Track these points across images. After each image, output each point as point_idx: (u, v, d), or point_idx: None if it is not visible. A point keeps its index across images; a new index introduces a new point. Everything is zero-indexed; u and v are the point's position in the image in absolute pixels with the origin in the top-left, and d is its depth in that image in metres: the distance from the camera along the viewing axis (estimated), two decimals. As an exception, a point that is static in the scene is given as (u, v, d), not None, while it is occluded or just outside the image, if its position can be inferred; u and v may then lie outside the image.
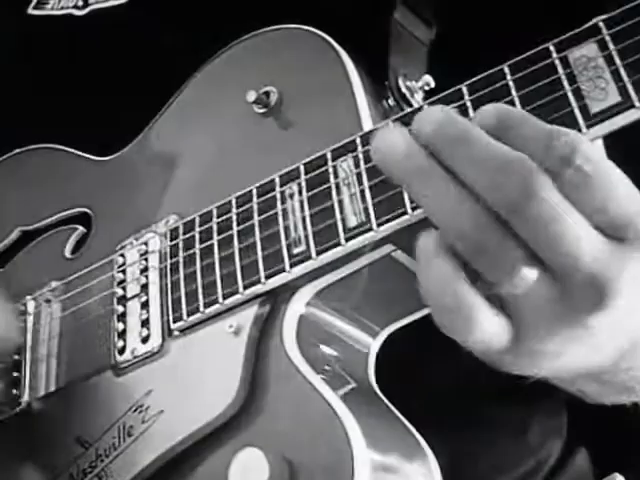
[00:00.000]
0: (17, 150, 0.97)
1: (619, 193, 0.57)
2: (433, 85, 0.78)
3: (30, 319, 0.86)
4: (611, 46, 0.61)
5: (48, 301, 0.86)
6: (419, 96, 0.78)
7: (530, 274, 0.57)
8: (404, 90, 0.78)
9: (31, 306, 0.87)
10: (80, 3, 1.01)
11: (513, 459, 0.94)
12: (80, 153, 0.92)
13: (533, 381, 0.93)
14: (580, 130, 0.61)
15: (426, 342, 0.75)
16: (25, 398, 0.84)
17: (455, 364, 0.82)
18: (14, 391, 0.84)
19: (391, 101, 0.78)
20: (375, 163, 0.59)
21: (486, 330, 0.58)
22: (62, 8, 1.01)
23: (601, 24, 0.62)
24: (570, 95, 0.62)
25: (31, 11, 1.04)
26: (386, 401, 0.73)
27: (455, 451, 0.86)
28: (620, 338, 0.66)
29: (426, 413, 0.72)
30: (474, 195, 0.56)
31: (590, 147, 0.57)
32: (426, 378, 0.87)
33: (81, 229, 0.89)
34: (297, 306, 0.72)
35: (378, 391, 0.74)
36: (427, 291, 0.59)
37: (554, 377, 0.72)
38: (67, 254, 0.89)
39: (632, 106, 0.60)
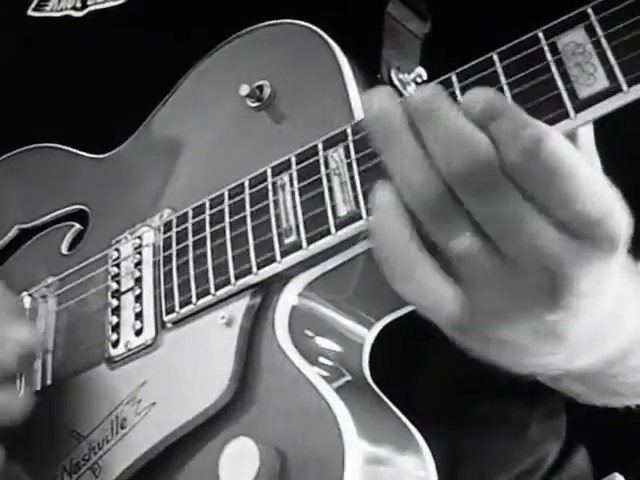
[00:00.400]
0: (17, 150, 0.97)
1: (585, 191, 0.57)
2: (425, 77, 0.78)
3: (26, 315, 0.87)
4: (599, 31, 0.61)
5: (44, 297, 0.87)
6: (411, 88, 0.78)
7: (469, 238, 0.59)
8: (396, 83, 0.78)
9: (27, 302, 0.87)
10: (79, 4, 1.02)
11: (511, 458, 0.94)
12: (77, 151, 0.93)
13: (533, 381, 0.94)
14: (568, 115, 0.61)
15: (424, 339, 0.75)
16: (21, 393, 0.83)
17: (453, 361, 0.82)
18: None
19: None
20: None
21: (435, 292, 0.60)
22: (61, 10, 1.02)
23: (589, 10, 0.62)
24: (558, 80, 0.62)
25: (31, 13, 1.05)
26: (380, 393, 0.73)
27: (453, 449, 0.86)
28: (598, 344, 0.67)
29: (424, 411, 0.72)
30: (435, 160, 0.59)
31: (558, 141, 0.57)
32: (423, 375, 0.87)
33: (78, 226, 0.90)
34: (289, 297, 0.72)
35: (372, 383, 0.74)
36: (380, 245, 0.62)
37: (531, 372, 0.71)
38: (64, 251, 0.89)
39: (620, 90, 0.60)
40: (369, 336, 0.76)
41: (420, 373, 0.87)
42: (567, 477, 0.97)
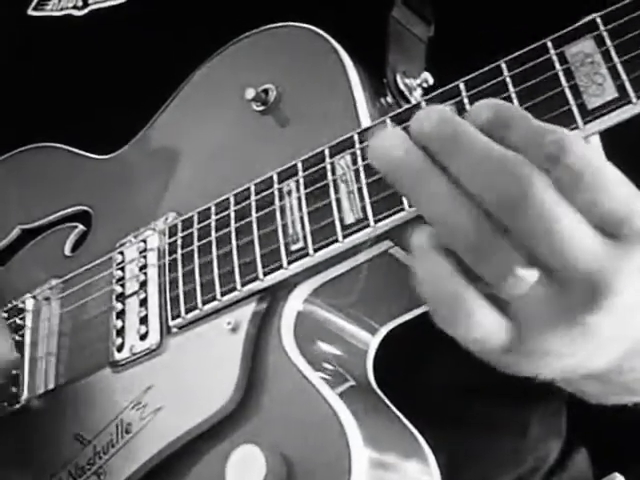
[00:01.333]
0: (17, 149, 0.97)
1: (611, 190, 0.56)
2: (432, 82, 0.78)
3: (29, 317, 0.86)
4: (608, 42, 0.61)
5: (47, 299, 0.87)
6: (417, 93, 0.78)
7: (527, 275, 0.56)
8: (402, 87, 0.78)
9: (30, 304, 0.87)
10: (79, 3, 1.01)
11: (512, 458, 0.94)
12: (80, 152, 0.93)
13: (531, 381, 0.93)
14: (577, 126, 0.61)
15: (425, 341, 0.75)
16: (24, 396, 0.84)
17: (455, 363, 0.82)
18: (13, 389, 0.84)
19: (389, 98, 0.78)
20: (371, 163, 0.59)
21: (484, 326, 0.58)
22: (61, 9, 1.02)
23: (598, 20, 0.62)
24: (567, 91, 0.62)
25: (31, 12, 1.04)
26: (384, 399, 0.73)
27: (454, 450, 0.86)
28: (622, 338, 0.66)
29: (425, 412, 0.72)
30: (469, 196, 0.56)
31: (580, 144, 0.57)
32: (425, 377, 0.87)
33: (81, 227, 0.90)
34: (295, 303, 0.72)
35: (377, 389, 0.74)
36: (423, 287, 0.59)
37: (558, 378, 0.71)
38: (67, 252, 0.89)
39: (629, 102, 0.60)
40: (373, 342, 0.76)
41: (422, 375, 0.87)
42: (567, 477, 0.97)
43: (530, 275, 0.57)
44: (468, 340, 0.59)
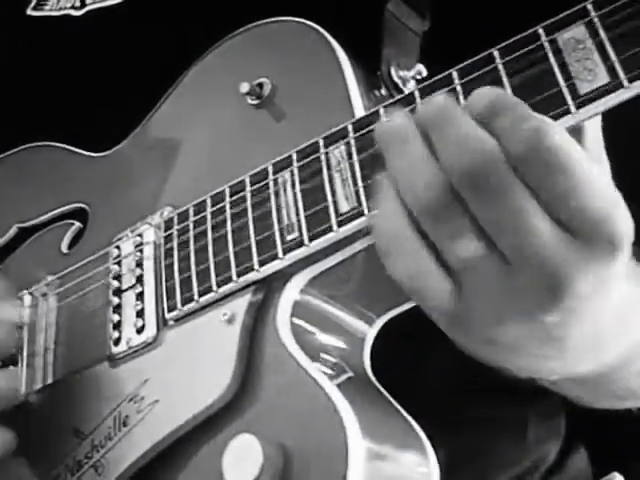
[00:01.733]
0: (16, 148, 0.97)
1: (585, 187, 0.56)
2: (425, 74, 0.78)
3: (27, 313, 0.87)
4: (599, 28, 0.61)
5: (44, 295, 0.87)
6: (411, 85, 0.78)
7: (472, 244, 0.58)
8: (396, 80, 0.78)
9: (27, 300, 0.87)
10: (78, 4, 1.02)
11: (511, 458, 0.94)
12: (76, 150, 0.93)
13: (532, 381, 0.94)
14: (569, 110, 0.61)
15: (423, 339, 0.76)
16: (22, 390, 0.84)
17: (453, 360, 0.82)
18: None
19: (383, 91, 0.78)
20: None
21: (431, 278, 0.60)
22: (60, 9, 1.03)
23: (589, 6, 0.62)
24: (559, 77, 0.62)
25: (30, 12, 1.05)
26: (382, 390, 0.73)
27: (453, 449, 0.86)
28: (605, 351, 0.66)
29: (424, 411, 0.72)
30: (442, 167, 0.59)
31: (561, 135, 0.57)
32: (423, 374, 0.87)
33: (77, 224, 0.90)
34: (291, 293, 0.72)
35: (374, 379, 0.74)
36: (375, 222, 0.62)
37: (530, 376, 0.71)
38: (64, 249, 0.89)
39: (621, 86, 0.60)
40: (370, 332, 0.76)
41: (420, 371, 0.87)
42: (566, 477, 0.97)
43: (479, 247, 0.59)
44: (414, 290, 0.61)
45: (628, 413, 0.90)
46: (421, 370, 0.87)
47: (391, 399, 0.72)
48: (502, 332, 0.61)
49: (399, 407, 0.72)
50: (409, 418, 0.71)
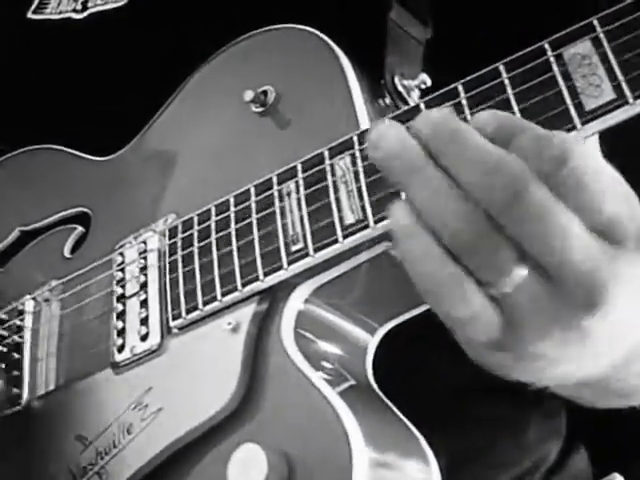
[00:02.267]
0: (17, 151, 0.97)
1: (613, 194, 0.57)
2: (429, 83, 0.79)
3: (29, 318, 0.87)
4: (605, 44, 0.62)
5: (47, 300, 0.87)
6: (415, 95, 0.79)
7: (520, 273, 0.57)
8: (400, 89, 0.78)
9: (30, 305, 0.87)
10: (79, 7, 1.01)
11: (511, 458, 0.94)
12: (79, 154, 0.93)
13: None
14: (575, 127, 0.62)
15: (424, 341, 0.76)
16: (25, 397, 0.84)
17: (454, 363, 0.83)
18: (14, 390, 0.84)
19: (387, 100, 0.78)
20: (370, 157, 0.59)
21: (472, 306, 0.57)
22: (61, 12, 1.02)
23: (595, 22, 0.63)
24: (565, 92, 0.62)
25: (30, 15, 1.04)
26: (384, 398, 0.74)
27: (453, 450, 0.87)
28: (619, 347, 0.66)
29: (425, 413, 0.73)
30: (466, 195, 0.56)
31: (584, 148, 0.57)
32: (424, 377, 0.88)
33: (80, 229, 0.90)
34: (295, 303, 0.72)
35: (376, 388, 0.74)
36: (411, 263, 0.58)
37: (553, 385, 0.71)
38: (66, 253, 0.89)
39: (626, 103, 0.61)
40: (372, 341, 0.76)
41: (421, 376, 0.87)
42: (567, 477, 0.97)
43: (522, 272, 0.57)
44: (454, 319, 0.58)
45: (628, 413, 0.91)
46: (422, 372, 0.87)
47: (393, 407, 0.73)
48: (540, 346, 0.61)
49: (401, 415, 0.73)
50: (410, 426, 0.72)
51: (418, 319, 0.75)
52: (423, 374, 0.87)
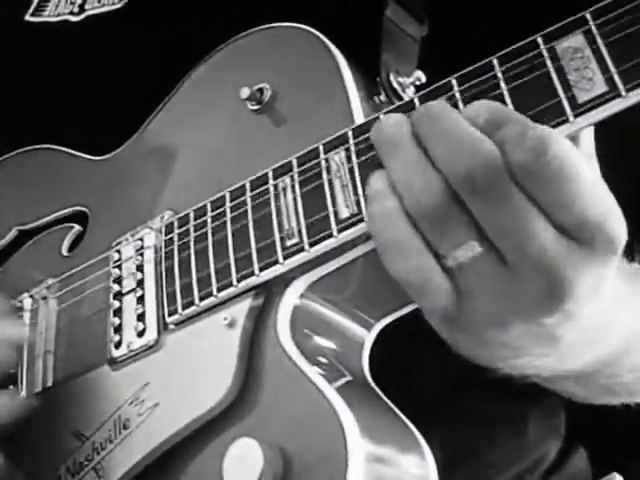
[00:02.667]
0: (14, 152, 0.98)
1: (586, 194, 0.58)
2: (424, 80, 0.79)
3: (27, 316, 0.87)
4: (597, 37, 0.62)
5: (45, 298, 0.87)
6: (410, 91, 0.79)
7: (474, 248, 0.59)
8: (395, 86, 0.79)
9: (28, 303, 0.88)
10: (76, 9, 1.02)
11: (510, 457, 0.94)
12: (76, 153, 0.93)
13: (531, 380, 0.94)
14: (567, 119, 0.62)
15: (421, 338, 0.76)
16: (23, 393, 0.84)
17: (451, 360, 0.83)
18: (11, 387, 0.85)
19: (383, 97, 0.79)
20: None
21: (429, 275, 0.60)
22: (59, 15, 1.03)
23: (588, 15, 0.63)
24: (558, 85, 0.63)
25: (28, 18, 1.05)
26: (380, 394, 0.74)
27: (452, 448, 0.87)
28: (596, 348, 0.68)
29: (422, 410, 0.73)
30: (439, 170, 0.60)
31: (564, 145, 0.58)
32: (421, 375, 0.88)
33: (77, 227, 0.90)
34: (291, 298, 0.73)
35: (372, 384, 0.74)
36: (372, 223, 0.63)
37: (522, 374, 0.72)
38: (64, 252, 0.90)
39: (618, 95, 0.61)
40: (369, 337, 0.76)
41: (418, 372, 0.87)
42: (566, 476, 0.97)
43: (476, 248, 0.60)
44: (412, 287, 0.62)
45: (627, 413, 0.91)
46: (419, 371, 0.87)
47: (389, 403, 0.73)
48: (501, 334, 0.62)
49: (397, 411, 0.73)
50: (407, 422, 0.72)
51: (413, 314, 0.75)
52: (419, 370, 0.87)
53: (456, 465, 0.89)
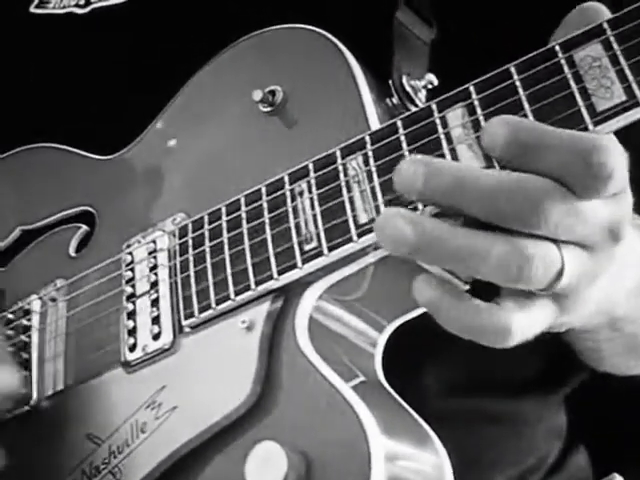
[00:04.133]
0: (18, 148, 0.96)
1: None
2: (436, 83, 0.80)
3: (36, 318, 0.86)
4: (615, 46, 0.63)
5: (53, 300, 0.87)
6: (422, 95, 0.80)
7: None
8: (408, 89, 0.79)
9: (37, 305, 0.87)
10: (82, 2, 1.01)
11: (512, 457, 0.95)
12: (82, 152, 0.92)
13: (532, 380, 0.96)
14: (587, 128, 0.63)
15: (423, 341, 0.77)
16: (34, 397, 0.84)
17: (457, 362, 0.84)
18: (23, 390, 0.84)
19: (395, 99, 0.79)
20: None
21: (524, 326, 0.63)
22: (64, 7, 1.01)
23: (605, 25, 0.64)
24: (577, 94, 0.64)
25: (33, 10, 1.03)
26: (393, 393, 0.74)
27: (453, 449, 0.88)
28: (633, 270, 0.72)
29: (424, 410, 0.74)
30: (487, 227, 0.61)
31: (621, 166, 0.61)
32: (426, 376, 0.88)
33: (85, 228, 0.89)
34: (309, 301, 0.73)
35: (386, 384, 0.75)
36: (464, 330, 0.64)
37: (584, 322, 0.75)
38: (71, 253, 0.89)
39: (637, 104, 0.62)
40: (381, 338, 0.77)
41: (422, 374, 0.88)
42: (567, 477, 0.98)
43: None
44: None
45: (628, 412, 0.92)
46: (422, 371, 0.88)
47: (403, 402, 0.74)
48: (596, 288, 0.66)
49: (410, 410, 0.74)
50: (420, 420, 0.73)
51: (416, 318, 0.76)
52: (424, 372, 0.88)
53: (457, 466, 0.90)
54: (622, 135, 0.64)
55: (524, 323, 0.63)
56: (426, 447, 0.71)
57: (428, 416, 0.73)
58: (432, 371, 0.88)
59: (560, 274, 0.62)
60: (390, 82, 0.79)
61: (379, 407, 0.70)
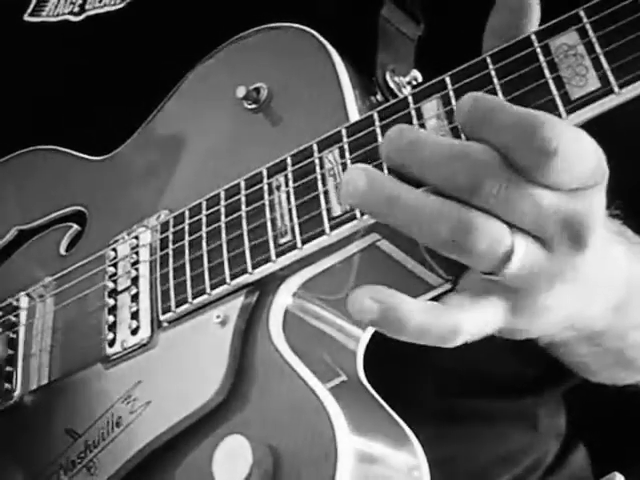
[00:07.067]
0: (14, 153, 0.98)
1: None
2: (421, 80, 0.79)
3: (24, 314, 0.87)
4: (591, 34, 0.62)
5: (41, 296, 0.87)
6: (406, 91, 0.79)
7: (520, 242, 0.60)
8: (392, 85, 0.79)
9: (24, 301, 0.88)
10: (76, 9, 1.02)
11: (511, 456, 0.94)
12: (75, 153, 0.94)
13: (533, 379, 0.94)
14: (560, 115, 0.62)
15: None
16: (17, 392, 0.84)
17: (451, 359, 0.82)
18: (7, 385, 0.85)
19: (379, 96, 0.79)
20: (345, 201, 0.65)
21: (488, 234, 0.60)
22: (58, 15, 1.03)
23: (582, 13, 0.63)
24: (551, 82, 0.63)
25: (27, 18, 1.05)
26: (374, 393, 0.73)
27: (452, 448, 0.86)
28: (606, 288, 0.69)
29: (422, 409, 0.73)
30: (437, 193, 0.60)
31: (574, 142, 0.59)
32: (419, 374, 0.87)
33: (76, 227, 0.90)
34: (284, 297, 0.72)
35: (366, 383, 0.74)
36: (421, 226, 0.62)
37: (545, 334, 0.73)
38: (62, 251, 0.90)
39: (611, 91, 0.61)
40: (364, 336, 0.76)
41: (416, 371, 0.87)
42: (567, 475, 0.97)
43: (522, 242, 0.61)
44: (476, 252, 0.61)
45: (628, 412, 0.90)
46: (416, 369, 0.87)
47: (383, 403, 0.72)
48: (554, 295, 0.64)
49: (391, 411, 0.72)
50: (401, 423, 0.71)
51: None
52: (418, 369, 0.86)
53: (455, 465, 0.88)
54: (607, 139, 0.63)
55: (470, 322, 0.62)
56: (402, 448, 0.70)
57: (422, 416, 0.72)
58: (424, 371, 0.87)
59: (508, 257, 0.60)
60: (374, 79, 0.79)
61: (355, 407, 0.69)
